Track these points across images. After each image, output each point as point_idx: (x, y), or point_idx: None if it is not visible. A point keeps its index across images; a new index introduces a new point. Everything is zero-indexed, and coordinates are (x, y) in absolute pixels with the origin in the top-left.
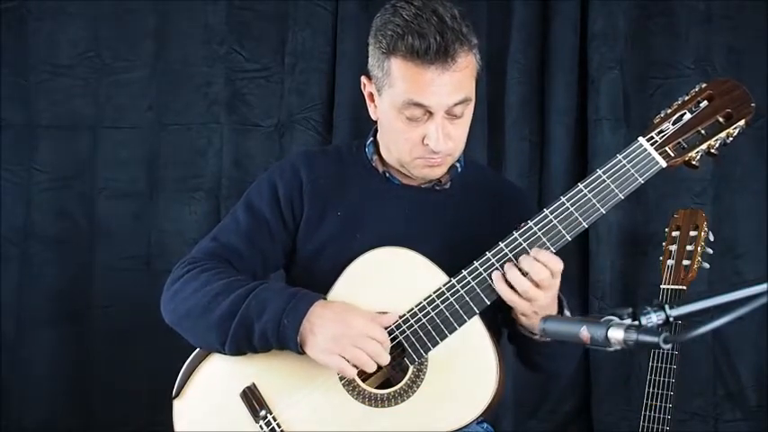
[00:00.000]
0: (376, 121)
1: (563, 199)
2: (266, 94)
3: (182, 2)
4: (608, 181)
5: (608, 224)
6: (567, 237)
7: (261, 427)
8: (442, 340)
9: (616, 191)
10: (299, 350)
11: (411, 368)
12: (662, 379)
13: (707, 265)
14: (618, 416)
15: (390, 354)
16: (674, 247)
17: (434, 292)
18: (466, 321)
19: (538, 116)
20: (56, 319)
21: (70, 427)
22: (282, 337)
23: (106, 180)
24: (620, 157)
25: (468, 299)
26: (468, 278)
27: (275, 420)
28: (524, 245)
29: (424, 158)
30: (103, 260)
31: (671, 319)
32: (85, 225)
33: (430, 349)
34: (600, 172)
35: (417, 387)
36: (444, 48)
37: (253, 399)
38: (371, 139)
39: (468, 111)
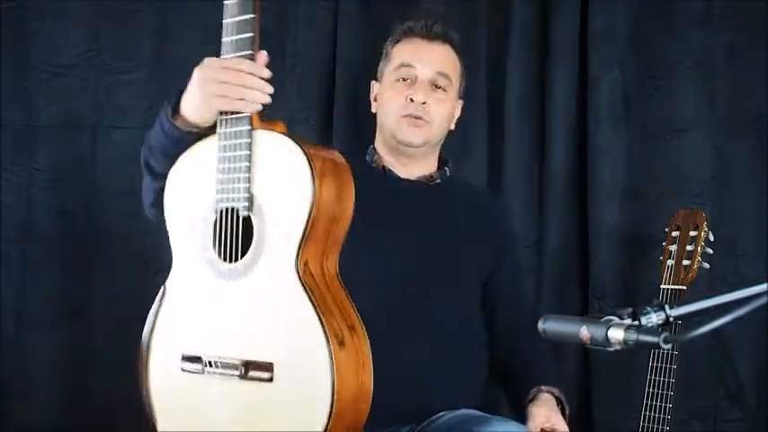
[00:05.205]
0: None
1: None
2: None
3: (182, 2)
4: None
5: (608, 224)
6: None
7: (211, 372)
8: None
9: None
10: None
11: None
12: (662, 379)
13: (707, 265)
14: (618, 416)
15: None
16: (673, 247)
17: None
18: None
19: (538, 116)
20: (56, 319)
21: (70, 427)
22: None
23: (106, 180)
24: None
25: None
26: None
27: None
28: None
29: (408, 117)
30: (103, 260)
31: (671, 319)
32: (85, 225)
33: None
34: None
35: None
36: (433, 25)
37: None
38: (371, 146)
39: (450, 93)
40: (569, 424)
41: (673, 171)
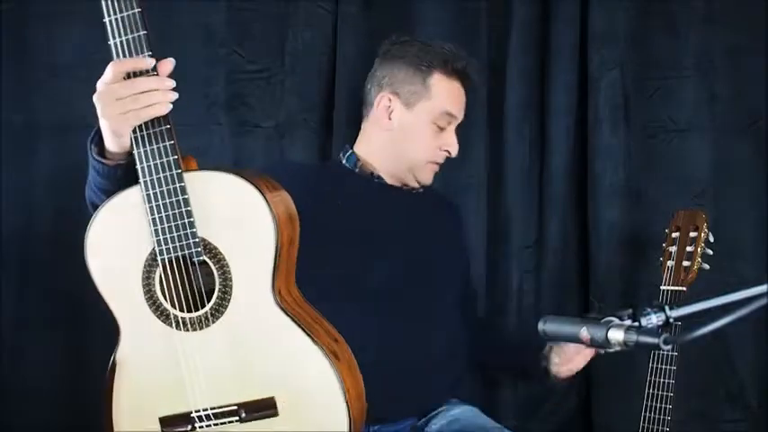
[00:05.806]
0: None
1: None
2: (266, 95)
3: (182, 2)
4: None
5: (608, 224)
6: None
7: (203, 426)
8: None
9: None
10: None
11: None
12: (662, 380)
13: (707, 266)
14: (618, 416)
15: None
16: (673, 248)
17: None
18: None
19: (538, 116)
20: (56, 320)
21: (70, 427)
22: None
23: None
24: None
25: None
26: None
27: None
28: None
29: (435, 163)
30: None
31: (671, 321)
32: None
33: None
34: None
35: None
36: (468, 69)
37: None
38: (350, 151)
39: None
40: (568, 423)
41: (673, 171)
